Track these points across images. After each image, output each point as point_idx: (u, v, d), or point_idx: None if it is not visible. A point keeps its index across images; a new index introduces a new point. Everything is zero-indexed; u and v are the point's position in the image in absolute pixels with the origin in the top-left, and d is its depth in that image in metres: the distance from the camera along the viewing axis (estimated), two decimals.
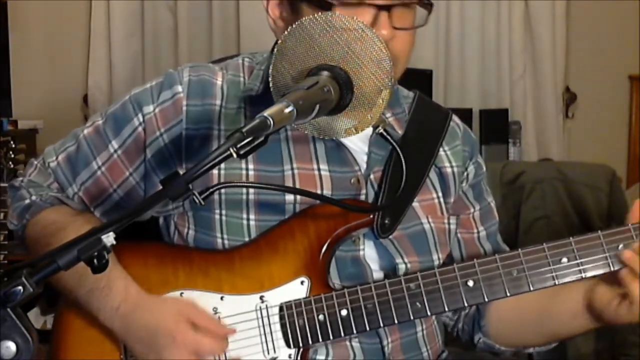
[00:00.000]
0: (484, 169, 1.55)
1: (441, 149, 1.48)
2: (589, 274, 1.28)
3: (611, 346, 2.53)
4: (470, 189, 1.52)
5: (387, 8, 1.28)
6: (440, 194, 1.46)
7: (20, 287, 0.87)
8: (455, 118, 1.54)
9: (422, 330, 1.42)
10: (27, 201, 1.45)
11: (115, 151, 1.41)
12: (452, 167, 1.48)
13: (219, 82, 1.41)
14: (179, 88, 1.39)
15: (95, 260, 0.90)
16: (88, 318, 1.34)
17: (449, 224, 1.46)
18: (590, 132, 4.03)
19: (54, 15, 3.95)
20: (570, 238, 1.28)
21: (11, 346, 0.87)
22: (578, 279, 1.26)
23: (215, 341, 1.28)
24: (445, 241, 1.45)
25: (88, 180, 1.44)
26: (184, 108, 1.38)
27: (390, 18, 1.28)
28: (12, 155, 2.47)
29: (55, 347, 1.40)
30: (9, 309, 0.87)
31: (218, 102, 1.40)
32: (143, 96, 1.41)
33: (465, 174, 1.50)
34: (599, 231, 1.28)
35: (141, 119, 1.39)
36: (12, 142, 2.47)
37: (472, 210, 1.51)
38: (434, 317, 1.45)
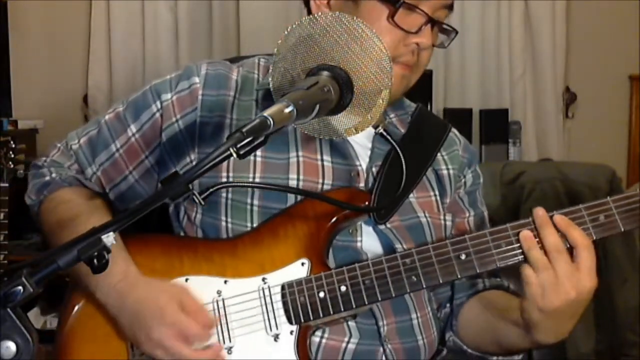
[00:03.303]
0: (481, 180, 1.62)
1: (439, 154, 1.55)
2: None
3: (611, 346, 2.53)
4: (466, 195, 1.59)
5: (434, 22, 1.41)
6: (437, 193, 1.53)
7: (20, 287, 0.87)
8: (454, 130, 1.61)
9: (417, 318, 1.47)
10: (47, 178, 1.52)
11: (134, 135, 1.50)
12: (448, 169, 1.56)
13: (234, 77, 1.50)
14: (196, 79, 1.47)
15: (95, 260, 0.91)
16: (95, 315, 1.37)
17: (444, 220, 1.53)
18: (590, 132, 4.02)
19: (54, 15, 3.95)
20: (555, 212, 1.33)
21: (11, 346, 0.87)
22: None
23: (200, 328, 1.31)
24: (442, 236, 1.50)
25: (106, 162, 1.51)
26: (200, 97, 1.46)
27: (432, 31, 1.41)
28: (12, 155, 2.47)
29: (62, 344, 1.41)
30: (9, 309, 0.87)
31: (232, 93, 1.48)
32: (162, 86, 1.50)
33: (463, 180, 1.58)
34: (580, 205, 1.33)
35: (159, 106, 1.48)
36: (12, 142, 2.47)
37: (467, 214, 1.59)
38: (428, 307, 1.50)
